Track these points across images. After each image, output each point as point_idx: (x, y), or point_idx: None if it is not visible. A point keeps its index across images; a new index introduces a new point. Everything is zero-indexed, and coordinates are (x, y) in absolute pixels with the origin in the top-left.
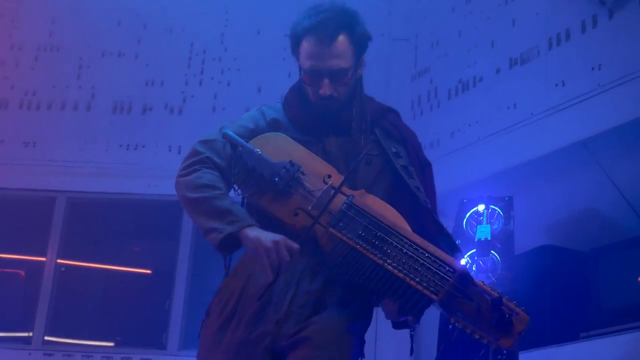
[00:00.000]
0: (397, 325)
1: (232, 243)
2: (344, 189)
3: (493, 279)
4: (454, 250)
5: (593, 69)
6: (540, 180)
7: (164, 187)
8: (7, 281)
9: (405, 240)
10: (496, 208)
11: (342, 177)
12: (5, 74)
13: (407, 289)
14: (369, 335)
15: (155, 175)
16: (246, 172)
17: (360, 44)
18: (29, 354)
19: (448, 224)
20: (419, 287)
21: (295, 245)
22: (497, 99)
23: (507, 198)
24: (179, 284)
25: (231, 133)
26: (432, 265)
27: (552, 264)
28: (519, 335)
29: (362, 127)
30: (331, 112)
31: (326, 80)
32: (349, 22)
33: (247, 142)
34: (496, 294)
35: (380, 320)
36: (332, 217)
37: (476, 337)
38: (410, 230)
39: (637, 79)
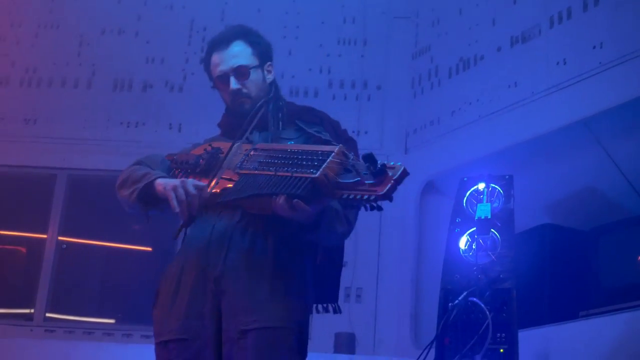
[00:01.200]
0: (303, 232)
1: (149, 196)
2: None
3: (493, 257)
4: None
5: (594, 47)
6: (541, 159)
7: None
8: (8, 258)
9: (294, 150)
10: (496, 187)
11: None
12: (6, 51)
13: (292, 180)
14: (368, 318)
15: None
16: (178, 167)
17: (258, 46)
18: (31, 330)
19: (448, 202)
20: (302, 175)
21: (202, 183)
22: (498, 78)
23: (507, 177)
24: None
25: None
26: (314, 156)
27: (552, 243)
28: (395, 182)
29: (278, 118)
30: (248, 109)
31: (232, 78)
32: (241, 30)
33: None
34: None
35: (380, 309)
36: (236, 166)
37: (357, 198)
38: (302, 145)
39: (639, 57)
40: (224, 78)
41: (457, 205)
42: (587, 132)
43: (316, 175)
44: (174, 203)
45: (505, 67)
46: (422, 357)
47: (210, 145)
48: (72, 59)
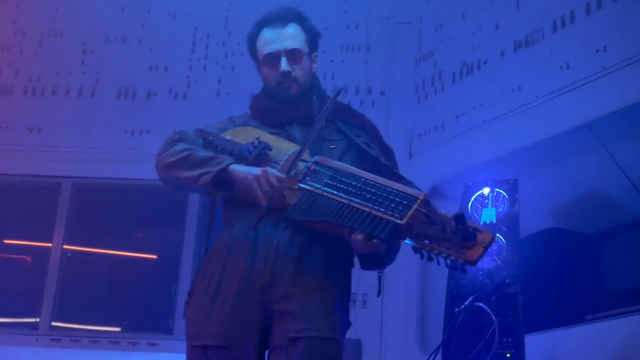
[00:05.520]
0: (366, 264)
1: (222, 182)
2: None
3: (499, 262)
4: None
5: (598, 51)
6: (546, 163)
7: None
8: (13, 267)
9: (368, 181)
10: (501, 191)
11: (306, 151)
12: (10, 60)
13: (373, 219)
14: (374, 324)
15: None
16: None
17: (311, 34)
18: (36, 339)
19: (453, 207)
20: (384, 215)
21: (282, 175)
22: (501, 82)
23: (512, 181)
24: (184, 269)
25: (203, 129)
26: (395, 197)
27: (558, 247)
28: (484, 249)
29: (323, 113)
30: (293, 94)
31: (284, 59)
32: (298, 14)
33: None
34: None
35: (386, 314)
36: (297, 176)
37: (443, 256)
38: (374, 175)
39: None
40: (274, 57)
41: (462, 210)
42: (591, 136)
43: (401, 222)
44: (260, 194)
45: (509, 71)
46: None
47: (258, 138)
48: (76, 68)
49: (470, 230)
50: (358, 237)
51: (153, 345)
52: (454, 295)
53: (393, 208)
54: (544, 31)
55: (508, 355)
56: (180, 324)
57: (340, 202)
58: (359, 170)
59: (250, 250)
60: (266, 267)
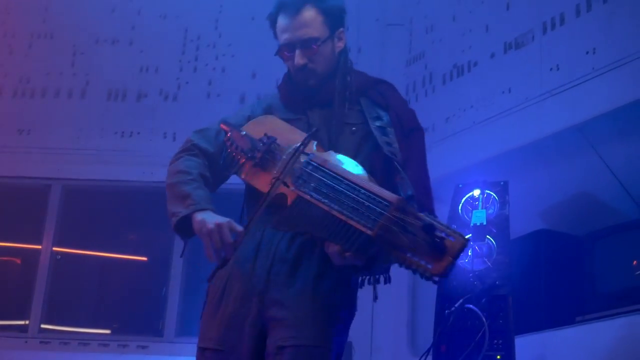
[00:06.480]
0: (354, 272)
1: (187, 226)
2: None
3: (489, 263)
4: (409, 195)
5: (588, 52)
6: (536, 165)
7: (159, 174)
8: (2, 269)
9: (351, 184)
10: (491, 193)
11: (313, 144)
12: None
13: (347, 230)
14: (365, 326)
15: (150, 163)
16: (233, 153)
17: (331, 14)
18: (25, 342)
19: (443, 209)
20: (357, 225)
21: (239, 228)
22: (491, 84)
23: (502, 183)
24: (175, 271)
25: (228, 121)
26: (370, 203)
27: (548, 249)
28: (453, 260)
29: (345, 97)
30: (312, 85)
31: (298, 51)
32: None
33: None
34: (429, 220)
35: (376, 317)
36: (293, 176)
37: (413, 268)
38: (360, 177)
39: (632, 62)
40: (289, 47)
41: (452, 212)
42: (581, 138)
43: (371, 233)
44: (210, 252)
45: (499, 73)
46: None
47: (265, 134)
48: (65, 69)
49: (437, 240)
50: (333, 249)
51: (143, 347)
52: (445, 297)
53: (366, 215)
54: (534, 33)
55: (498, 357)
56: (170, 326)
57: (323, 209)
58: (350, 170)
59: (253, 254)
60: (264, 270)
